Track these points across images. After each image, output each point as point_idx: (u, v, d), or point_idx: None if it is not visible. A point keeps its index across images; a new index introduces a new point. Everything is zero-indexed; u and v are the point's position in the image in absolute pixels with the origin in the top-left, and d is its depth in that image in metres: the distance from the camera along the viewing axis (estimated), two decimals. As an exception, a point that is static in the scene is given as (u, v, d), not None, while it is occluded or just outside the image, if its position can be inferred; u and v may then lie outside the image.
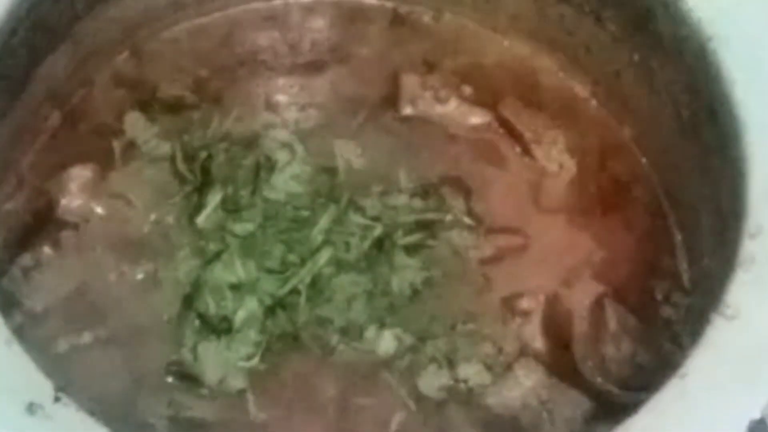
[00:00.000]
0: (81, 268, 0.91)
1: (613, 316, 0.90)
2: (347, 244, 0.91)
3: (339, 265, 0.90)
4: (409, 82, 1.01)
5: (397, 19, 1.05)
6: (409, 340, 0.89)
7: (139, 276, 0.91)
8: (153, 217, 0.93)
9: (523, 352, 0.90)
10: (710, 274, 0.84)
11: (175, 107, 0.99)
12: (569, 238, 0.95)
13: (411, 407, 0.87)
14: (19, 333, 0.76)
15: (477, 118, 1.00)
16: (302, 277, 0.89)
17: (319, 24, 1.05)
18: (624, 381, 0.88)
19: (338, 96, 1.02)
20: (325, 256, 0.90)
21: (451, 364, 0.88)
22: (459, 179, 0.97)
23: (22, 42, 0.89)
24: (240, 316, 0.88)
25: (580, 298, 0.92)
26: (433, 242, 0.93)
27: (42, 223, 0.92)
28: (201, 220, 0.92)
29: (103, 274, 0.91)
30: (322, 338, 0.89)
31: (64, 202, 0.93)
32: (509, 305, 0.92)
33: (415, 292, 0.91)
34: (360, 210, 0.93)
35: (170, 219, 0.93)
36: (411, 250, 0.92)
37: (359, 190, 0.95)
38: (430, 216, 0.94)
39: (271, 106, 1.01)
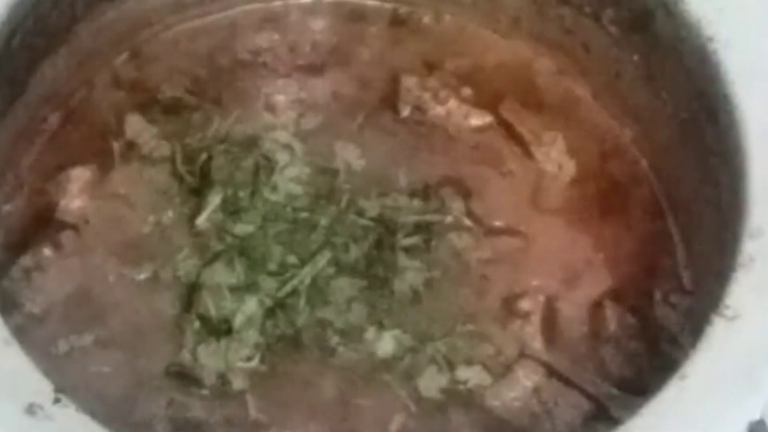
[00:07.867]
0: (81, 270, 0.91)
1: (612, 316, 0.90)
2: (347, 245, 0.91)
3: (339, 266, 0.90)
4: (409, 83, 1.00)
5: (396, 20, 1.05)
6: (408, 341, 0.89)
7: (139, 277, 0.91)
8: (153, 218, 0.93)
9: (523, 353, 0.89)
10: (710, 274, 0.84)
11: (175, 108, 0.99)
12: (569, 239, 0.95)
13: (411, 408, 0.87)
14: (19, 334, 0.76)
15: (477, 119, 1.00)
16: (302, 279, 0.89)
17: (318, 25, 1.05)
18: (624, 382, 0.88)
19: (338, 97, 1.02)
20: (324, 257, 0.90)
21: (450, 365, 0.88)
22: (459, 180, 0.97)
23: (21, 44, 0.89)
24: (240, 318, 0.87)
25: (580, 298, 0.92)
26: (433, 244, 0.93)
27: (42, 225, 0.92)
28: (201, 221, 0.92)
29: (103, 275, 0.91)
30: (321, 339, 0.89)
31: (63, 203, 0.93)
32: (509, 306, 0.92)
33: (415, 294, 0.91)
34: (360, 211, 0.93)
35: (170, 220, 0.93)
36: (411, 251, 0.92)
37: (359, 191, 0.95)
38: (430, 217, 0.94)
39: (270, 108, 1.01)
